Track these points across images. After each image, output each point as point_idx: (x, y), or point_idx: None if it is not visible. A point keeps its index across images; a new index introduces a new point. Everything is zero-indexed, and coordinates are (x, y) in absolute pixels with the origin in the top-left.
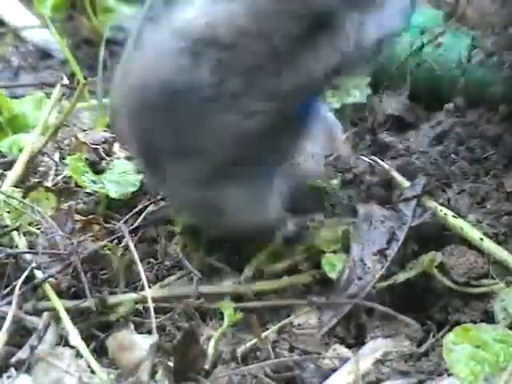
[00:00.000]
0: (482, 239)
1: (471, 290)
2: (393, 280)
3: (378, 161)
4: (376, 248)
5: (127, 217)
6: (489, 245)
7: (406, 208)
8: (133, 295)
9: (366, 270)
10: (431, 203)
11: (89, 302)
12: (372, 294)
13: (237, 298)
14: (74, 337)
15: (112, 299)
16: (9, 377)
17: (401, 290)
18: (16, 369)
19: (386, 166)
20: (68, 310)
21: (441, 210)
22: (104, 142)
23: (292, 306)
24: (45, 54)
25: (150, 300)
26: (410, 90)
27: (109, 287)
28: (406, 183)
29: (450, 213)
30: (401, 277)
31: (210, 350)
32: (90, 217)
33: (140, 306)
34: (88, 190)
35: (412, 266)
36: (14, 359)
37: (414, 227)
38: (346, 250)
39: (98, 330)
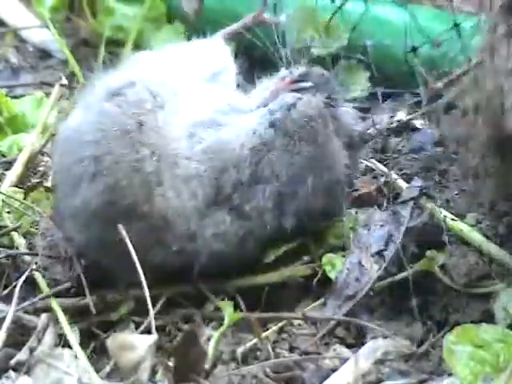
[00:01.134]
0: (482, 240)
1: (472, 291)
2: (392, 279)
3: (376, 163)
4: (374, 250)
5: None
6: (489, 245)
7: (404, 209)
8: (132, 293)
9: (363, 272)
10: (430, 205)
11: (88, 300)
12: (370, 294)
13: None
14: (72, 340)
15: (111, 297)
16: (8, 378)
17: (401, 290)
18: (16, 370)
19: (385, 168)
20: (67, 309)
21: (440, 212)
22: None
23: (291, 305)
24: (45, 54)
25: (148, 297)
26: (411, 90)
27: (109, 288)
28: (405, 185)
29: (449, 214)
30: (400, 276)
31: (210, 350)
32: None
33: (140, 307)
34: None
35: (411, 267)
36: (13, 361)
37: (412, 228)
38: (347, 249)
39: (98, 329)
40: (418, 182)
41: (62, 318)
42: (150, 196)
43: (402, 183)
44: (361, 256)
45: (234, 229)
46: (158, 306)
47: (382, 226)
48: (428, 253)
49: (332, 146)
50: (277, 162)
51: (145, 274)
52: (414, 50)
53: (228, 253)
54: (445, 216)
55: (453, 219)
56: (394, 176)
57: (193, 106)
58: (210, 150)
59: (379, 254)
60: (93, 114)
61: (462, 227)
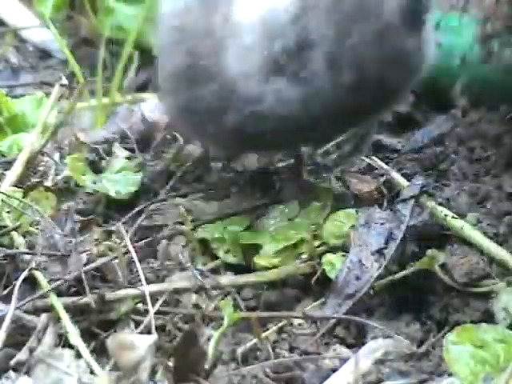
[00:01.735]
0: (482, 240)
1: (472, 290)
2: (392, 277)
3: (378, 161)
4: (374, 248)
5: (127, 217)
6: (489, 245)
7: (404, 208)
8: (131, 291)
9: (364, 270)
10: (430, 203)
11: (88, 299)
12: (370, 293)
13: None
14: (74, 336)
15: (111, 296)
16: (8, 378)
17: (401, 289)
18: (16, 370)
19: (386, 166)
20: (67, 308)
21: (441, 211)
22: (104, 142)
23: (291, 304)
24: (45, 54)
25: (147, 295)
26: (411, 90)
27: (109, 287)
28: (405, 183)
29: (449, 213)
30: (400, 274)
31: (210, 350)
32: (90, 217)
33: (141, 306)
34: (88, 190)
35: (412, 265)
36: (13, 361)
37: (412, 227)
38: (347, 249)
39: (98, 328)
40: (418, 180)
41: (64, 315)
42: (219, 59)
43: (402, 181)
44: (361, 254)
45: (294, 94)
46: (157, 305)
47: (382, 224)
48: (428, 252)
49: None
50: (320, 24)
51: (228, 138)
52: None
53: (295, 117)
54: (445, 215)
55: (453, 217)
56: (395, 174)
57: None
58: (261, 20)
59: (379, 252)
60: None
61: (463, 226)
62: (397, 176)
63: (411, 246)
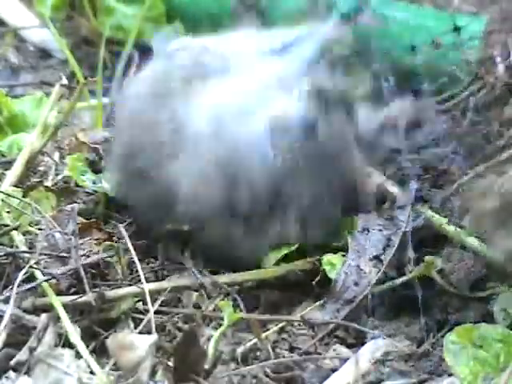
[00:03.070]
0: (479, 244)
1: (470, 295)
2: (390, 283)
3: (373, 170)
4: (372, 254)
5: (127, 217)
6: (486, 249)
7: (401, 214)
8: (131, 289)
9: (362, 276)
10: (427, 209)
11: (88, 297)
12: (369, 298)
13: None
14: (74, 336)
15: (111, 294)
16: (8, 378)
17: (400, 293)
18: (16, 370)
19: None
20: (67, 308)
21: (437, 217)
22: (104, 142)
23: (291, 305)
24: (45, 54)
25: (147, 293)
26: (411, 90)
27: (109, 287)
28: (401, 189)
29: (445, 220)
30: (398, 281)
31: (210, 350)
32: (91, 220)
33: (141, 306)
34: (87, 190)
35: (410, 271)
36: (13, 361)
37: (410, 233)
38: (346, 249)
39: (98, 327)
40: (414, 186)
41: (63, 315)
42: (160, 163)
43: (398, 187)
44: (359, 260)
45: (240, 233)
46: (157, 304)
47: (379, 230)
48: (426, 258)
49: (350, 162)
50: (293, 189)
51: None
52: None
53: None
54: (442, 220)
55: (449, 223)
56: (390, 183)
57: (236, 85)
58: (224, 153)
59: (377, 258)
60: (144, 71)
61: (459, 231)
62: (392, 184)
63: (409, 251)
